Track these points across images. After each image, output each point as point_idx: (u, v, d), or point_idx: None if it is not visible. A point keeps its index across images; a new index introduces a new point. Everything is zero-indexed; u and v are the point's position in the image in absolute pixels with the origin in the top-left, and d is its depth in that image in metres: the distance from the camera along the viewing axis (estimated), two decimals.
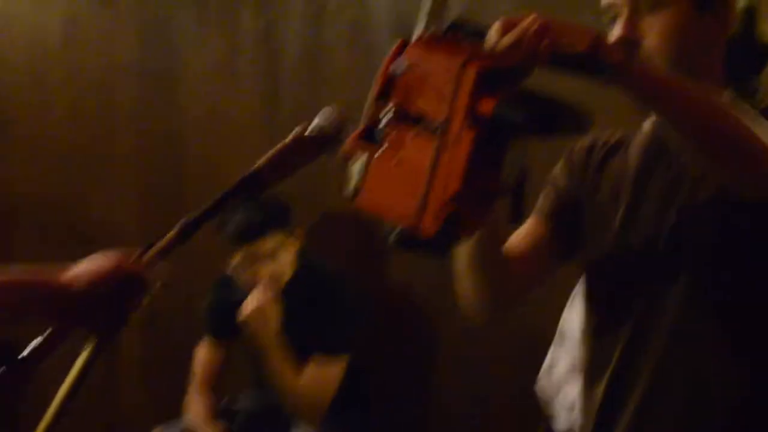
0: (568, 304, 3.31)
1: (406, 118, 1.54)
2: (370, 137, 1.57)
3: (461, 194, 1.50)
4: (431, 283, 4.24)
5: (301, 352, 3.89)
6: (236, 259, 3.90)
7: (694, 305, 1.96)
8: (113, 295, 1.73)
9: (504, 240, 2.02)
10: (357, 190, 1.58)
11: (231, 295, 3.98)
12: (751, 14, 2.07)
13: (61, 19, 4.86)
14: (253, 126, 4.54)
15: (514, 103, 1.49)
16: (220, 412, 4.13)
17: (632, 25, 1.93)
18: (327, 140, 1.75)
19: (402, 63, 1.56)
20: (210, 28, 4.63)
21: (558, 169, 2.19)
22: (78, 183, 4.88)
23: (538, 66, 1.62)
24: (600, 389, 2.06)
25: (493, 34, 1.60)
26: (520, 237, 2.13)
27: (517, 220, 1.66)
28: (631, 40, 1.87)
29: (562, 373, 3.35)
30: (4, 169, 5.01)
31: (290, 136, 1.74)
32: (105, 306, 1.73)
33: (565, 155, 2.19)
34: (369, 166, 1.57)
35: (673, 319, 1.97)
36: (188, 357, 4.20)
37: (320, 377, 3.89)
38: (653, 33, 1.91)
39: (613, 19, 1.95)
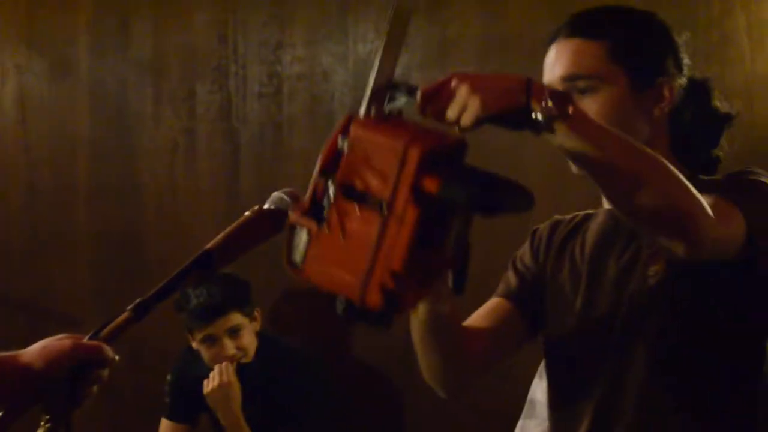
0: (538, 373, 3.29)
1: (350, 193, 1.56)
2: (314, 211, 1.59)
3: (405, 270, 1.51)
4: (396, 357, 4.21)
5: None
6: (197, 339, 3.86)
7: (655, 387, 1.98)
8: (70, 375, 1.70)
9: (453, 315, 2.00)
10: (301, 263, 1.60)
11: (195, 371, 3.95)
12: (704, 88, 2.09)
13: (14, 96, 4.85)
14: (212, 202, 4.53)
15: (458, 182, 1.51)
16: None
17: None
18: (282, 218, 1.74)
19: (346, 140, 1.57)
20: (165, 105, 4.63)
21: (522, 249, 2.21)
22: (36, 259, 4.84)
23: (470, 129, 1.62)
24: None
25: (418, 103, 1.61)
26: (483, 314, 2.15)
27: (460, 292, 1.67)
28: (562, 93, 1.80)
29: None
30: None
31: (245, 215, 1.73)
32: (61, 385, 1.71)
33: (529, 236, 2.22)
34: (313, 240, 1.58)
35: (634, 401, 1.98)
36: None
37: None
38: (590, 112, 1.85)
39: None
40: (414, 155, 1.50)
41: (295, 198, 1.74)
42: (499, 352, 2.16)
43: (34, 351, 1.74)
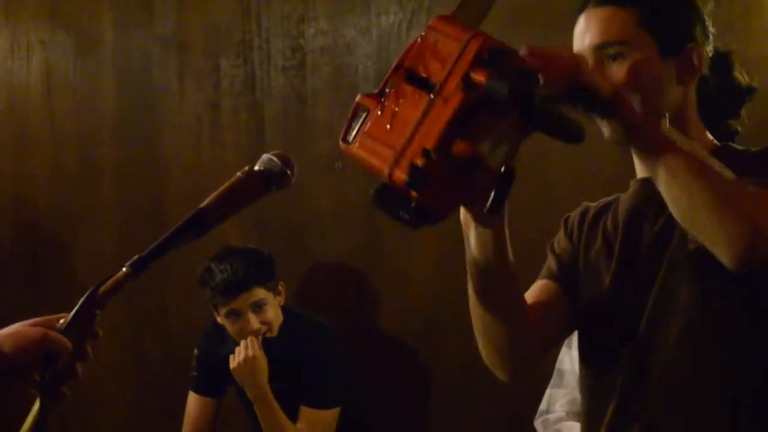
0: (566, 343, 3.30)
1: (412, 78, 1.60)
2: (380, 98, 1.63)
3: (437, 149, 1.53)
4: (421, 331, 4.22)
5: (290, 406, 3.87)
6: (221, 313, 3.88)
7: (687, 358, 1.97)
8: (41, 362, 1.69)
9: (511, 271, 1.95)
10: (352, 140, 1.63)
11: (221, 346, 3.99)
12: (726, 60, 2.12)
13: (39, 72, 4.88)
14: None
15: (507, 79, 1.53)
16: None
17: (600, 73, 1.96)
18: (273, 178, 1.77)
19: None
20: (190, 79, 4.65)
21: (558, 236, 2.24)
22: (61, 234, 4.87)
23: (558, 91, 1.64)
24: None
25: (523, 50, 1.64)
26: (530, 295, 2.15)
27: (496, 211, 1.69)
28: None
29: (560, 414, 3.34)
30: None
31: (236, 176, 1.76)
32: (31, 370, 1.70)
33: (562, 223, 2.25)
34: (367, 119, 1.62)
35: (666, 371, 1.98)
36: (179, 406, 4.17)
37: (312, 431, 3.86)
38: (618, 78, 1.93)
39: None
40: (474, 45, 1.55)
41: (284, 160, 1.77)
42: (554, 330, 2.16)
43: (6, 335, 1.73)
